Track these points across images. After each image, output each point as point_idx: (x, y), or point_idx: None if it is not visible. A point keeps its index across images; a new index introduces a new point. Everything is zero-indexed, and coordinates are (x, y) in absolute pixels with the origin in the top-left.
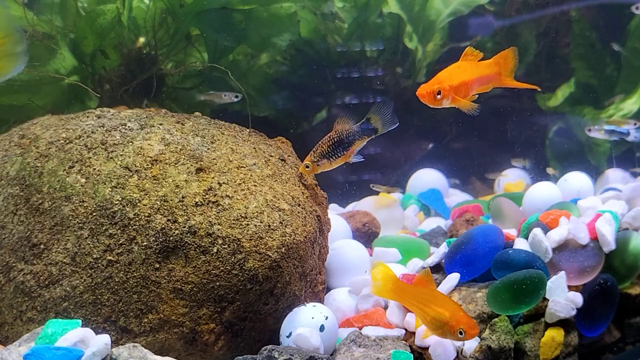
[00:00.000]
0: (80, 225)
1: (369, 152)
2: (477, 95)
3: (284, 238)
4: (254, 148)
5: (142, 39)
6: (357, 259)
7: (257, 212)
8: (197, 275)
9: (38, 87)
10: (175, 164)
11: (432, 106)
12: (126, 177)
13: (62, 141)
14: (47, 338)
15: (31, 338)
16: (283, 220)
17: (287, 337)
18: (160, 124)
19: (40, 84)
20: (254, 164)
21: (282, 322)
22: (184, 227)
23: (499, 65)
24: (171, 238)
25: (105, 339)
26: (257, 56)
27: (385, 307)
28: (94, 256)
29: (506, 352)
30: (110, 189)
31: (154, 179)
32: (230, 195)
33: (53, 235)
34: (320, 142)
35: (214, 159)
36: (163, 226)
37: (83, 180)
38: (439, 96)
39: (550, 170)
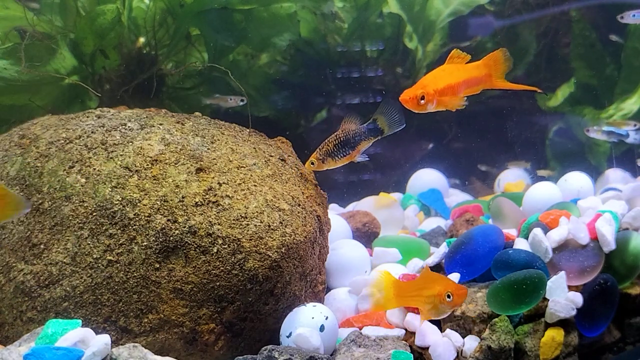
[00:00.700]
0: (81, 225)
1: (369, 152)
2: (465, 99)
3: (284, 238)
4: (254, 148)
5: (142, 39)
6: (357, 259)
7: (257, 212)
8: (197, 275)
9: (38, 87)
10: (175, 164)
11: (416, 111)
12: (126, 177)
13: (62, 141)
14: (47, 338)
15: (31, 338)
16: (283, 220)
17: (287, 337)
18: (160, 124)
19: (40, 84)
20: (254, 164)
21: (282, 322)
22: (184, 227)
23: (488, 67)
24: (171, 238)
25: (105, 339)
26: (257, 56)
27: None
28: (94, 256)
29: (506, 352)
30: (110, 189)
31: (154, 179)
32: (230, 195)
33: (53, 235)
34: (326, 141)
35: (214, 159)
36: (163, 226)
37: (83, 180)
38: (422, 101)
39: (542, 173)
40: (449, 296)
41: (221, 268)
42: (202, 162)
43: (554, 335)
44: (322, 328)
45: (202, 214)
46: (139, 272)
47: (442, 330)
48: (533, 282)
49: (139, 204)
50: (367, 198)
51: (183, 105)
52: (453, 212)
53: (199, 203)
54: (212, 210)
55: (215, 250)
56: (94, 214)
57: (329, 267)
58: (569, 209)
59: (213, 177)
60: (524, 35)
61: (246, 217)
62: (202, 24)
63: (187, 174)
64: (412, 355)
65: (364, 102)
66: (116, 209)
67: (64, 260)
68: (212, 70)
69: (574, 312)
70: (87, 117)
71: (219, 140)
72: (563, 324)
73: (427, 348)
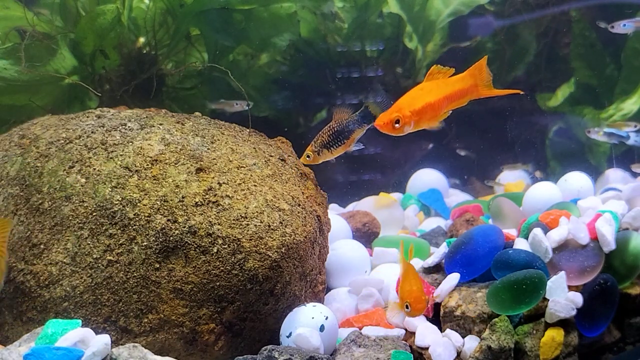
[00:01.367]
0: (80, 225)
1: (369, 152)
2: (449, 113)
3: (284, 238)
4: (254, 148)
5: (142, 39)
6: (357, 259)
7: (257, 212)
8: (197, 275)
9: (38, 87)
10: (175, 164)
11: (394, 135)
12: (126, 177)
13: (62, 141)
14: (47, 338)
15: (31, 338)
16: (283, 220)
17: (287, 337)
18: (160, 124)
19: (40, 84)
20: (254, 164)
21: (282, 322)
22: (184, 227)
23: (474, 77)
24: (171, 238)
25: (105, 339)
26: (257, 56)
27: (385, 307)
28: (94, 256)
29: (506, 352)
30: (110, 189)
31: (154, 179)
32: (230, 195)
33: (53, 235)
34: (320, 132)
35: (214, 159)
36: (163, 226)
37: (83, 180)
38: (397, 125)
39: (538, 174)
40: (407, 306)
41: (221, 268)
42: (202, 162)
43: (554, 335)
44: (322, 328)
45: (202, 214)
46: (139, 272)
47: (442, 330)
48: (533, 282)
49: (139, 204)
50: (367, 198)
51: (183, 105)
52: (453, 212)
53: (199, 203)
54: (212, 210)
55: (215, 250)
56: (94, 214)
57: (329, 267)
58: (569, 209)
59: (213, 177)
60: (524, 35)
61: (246, 217)
62: (202, 24)
63: (187, 174)
64: (412, 355)
65: (364, 102)
66: (116, 209)
67: (64, 260)
68: (212, 70)
69: (574, 312)
70: (87, 117)
71: (219, 140)
72: (563, 324)
73: (427, 348)
